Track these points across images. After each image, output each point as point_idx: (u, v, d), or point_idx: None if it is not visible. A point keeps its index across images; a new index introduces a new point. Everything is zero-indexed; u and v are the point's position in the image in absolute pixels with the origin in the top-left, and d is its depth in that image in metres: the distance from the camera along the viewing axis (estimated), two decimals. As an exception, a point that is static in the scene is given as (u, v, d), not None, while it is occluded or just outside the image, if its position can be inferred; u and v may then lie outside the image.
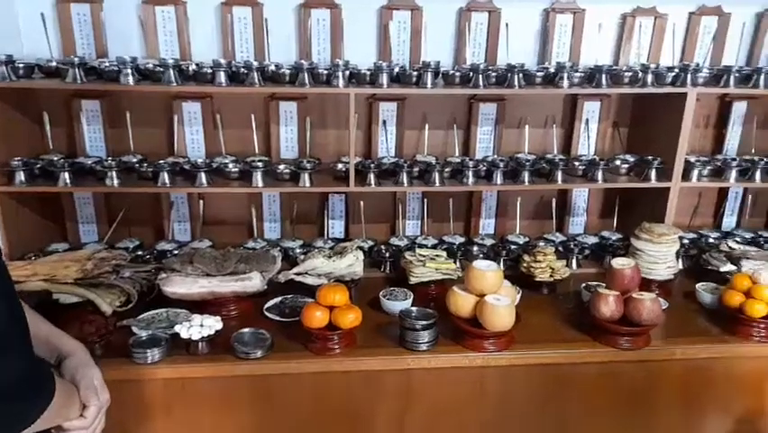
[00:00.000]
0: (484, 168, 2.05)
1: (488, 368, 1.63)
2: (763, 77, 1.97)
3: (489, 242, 2.20)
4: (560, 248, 2.15)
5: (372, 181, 1.96)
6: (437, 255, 1.94)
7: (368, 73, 1.91)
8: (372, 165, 1.96)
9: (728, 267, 1.93)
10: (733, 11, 2.13)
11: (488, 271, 1.60)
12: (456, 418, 1.67)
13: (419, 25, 2.05)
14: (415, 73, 1.92)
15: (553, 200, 2.27)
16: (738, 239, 2.18)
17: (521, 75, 1.93)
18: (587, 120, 2.20)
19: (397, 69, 1.96)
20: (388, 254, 2.07)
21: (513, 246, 2.15)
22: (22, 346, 0.86)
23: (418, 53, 2.08)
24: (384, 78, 1.88)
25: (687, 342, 1.68)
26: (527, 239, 2.21)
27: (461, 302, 1.61)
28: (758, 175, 2.07)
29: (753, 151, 2.21)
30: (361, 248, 1.99)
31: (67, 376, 1.03)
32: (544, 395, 1.69)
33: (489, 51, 2.11)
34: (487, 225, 2.31)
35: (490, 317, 1.55)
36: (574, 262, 2.13)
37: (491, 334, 1.58)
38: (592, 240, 2.22)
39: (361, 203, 2.16)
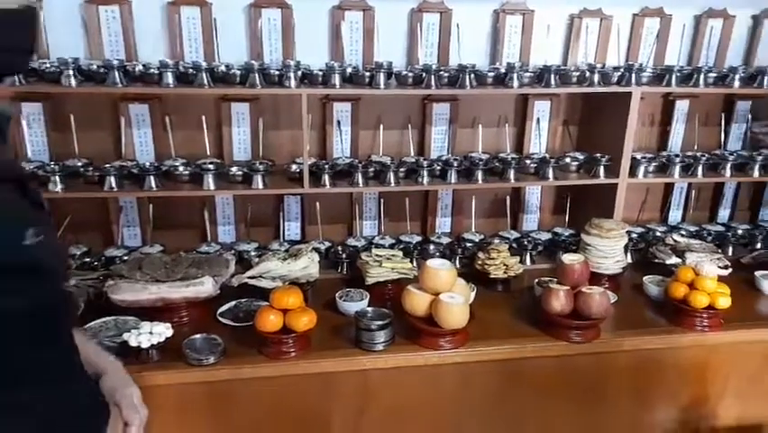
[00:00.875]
0: (438, 167, 2.07)
1: (443, 366, 1.64)
2: (702, 76, 2.06)
3: (445, 240, 2.22)
4: (514, 245, 2.19)
5: (327, 182, 1.95)
6: (393, 255, 1.95)
7: (320, 74, 1.91)
8: (327, 166, 1.95)
9: (674, 260, 2.01)
10: (674, 13, 2.21)
11: (441, 270, 1.62)
12: (413, 416, 1.68)
13: (371, 26, 2.05)
14: (367, 74, 1.92)
15: (507, 198, 2.30)
16: (683, 232, 2.27)
17: (473, 75, 1.96)
18: (538, 119, 2.25)
19: (349, 70, 1.96)
20: (344, 255, 2.06)
21: (469, 244, 2.18)
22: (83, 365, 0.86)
23: (371, 54, 2.08)
24: (336, 79, 1.88)
25: (635, 333, 1.74)
26: (483, 237, 2.24)
27: (416, 301, 1.62)
28: (700, 170, 2.16)
29: (695, 147, 2.30)
30: (316, 249, 1.98)
31: (105, 395, 1.01)
32: (499, 390, 1.71)
33: (441, 52, 2.13)
34: (443, 223, 2.34)
35: (445, 315, 1.56)
36: (528, 258, 2.17)
37: (446, 332, 1.60)
38: (545, 236, 2.26)
39: (317, 204, 2.15)
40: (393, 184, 1.99)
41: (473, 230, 2.28)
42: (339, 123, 2.13)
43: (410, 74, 1.95)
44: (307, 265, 1.82)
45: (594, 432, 1.80)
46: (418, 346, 1.62)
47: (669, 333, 1.74)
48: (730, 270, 1.95)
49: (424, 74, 1.93)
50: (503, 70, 2.00)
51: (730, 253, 2.27)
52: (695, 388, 1.81)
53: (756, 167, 2.16)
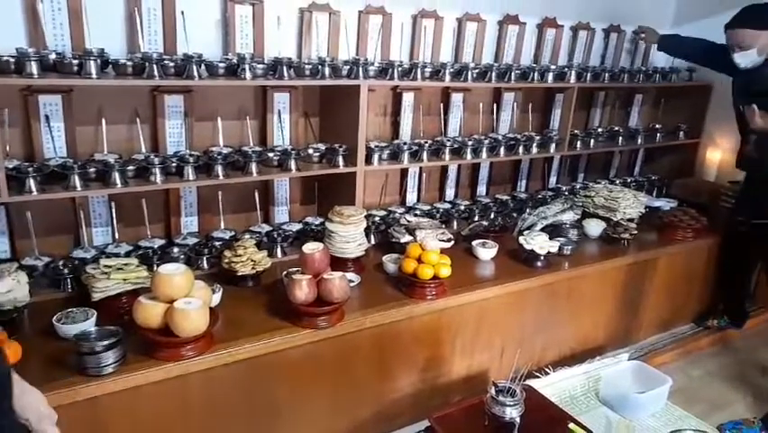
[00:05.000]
0: (174, 164, 1.93)
1: (188, 375, 1.55)
2: (419, 71, 2.29)
3: (191, 241, 2.09)
4: (265, 239, 2.17)
5: (33, 188, 1.67)
6: (126, 264, 1.76)
7: (12, 61, 1.61)
8: (31, 169, 1.66)
9: (407, 238, 2.21)
10: (394, 11, 2.41)
11: (175, 276, 1.51)
12: (160, 435, 1.55)
13: (78, 6, 1.80)
14: (75, 61, 1.69)
15: (256, 192, 2.27)
16: (417, 212, 2.52)
17: (202, 66, 1.86)
18: (279, 111, 2.25)
19: (53, 57, 1.70)
20: (66, 270, 1.80)
21: (218, 243, 2.09)
22: None
23: (81, 39, 1.83)
24: (34, 67, 1.61)
25: (375, 311, 1.86)
26: (233, 233, 2.17)
27: (148, 312, 1.49)
28: (425, 156, 2.41)
29: (422, 135, 2.56)
30: (28, 267, 1.69)
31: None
32: (252, 388, 1.69)
33: (166, 40, 1.97)
34: (189, 223, 2.20)
35: (181, 322, 1.47)
36: (279, 250, 2.18)
37: (186, 340, 1.50)
38: (296, 227, 2.29)
39: (28, 214, 1.83)
40: (120, 185, 1.80)
41: (223, 227, 2.20)
42: (48, 118, 1.84)
43: (130, 63, 1.77)
44: (12, 289, 1.54)
45: (346, 408, 1.90)
46: (156, 360, 1.50)
47: (404, 305, 1.91)
48: (453, 242, 2.22)
49: (146, 63, 1.77)
50: (235, 61, 1.95)
51: (455, 227, 2.59)
52: (430, 351, 2.03)
53: (468, 151, 2.50)
